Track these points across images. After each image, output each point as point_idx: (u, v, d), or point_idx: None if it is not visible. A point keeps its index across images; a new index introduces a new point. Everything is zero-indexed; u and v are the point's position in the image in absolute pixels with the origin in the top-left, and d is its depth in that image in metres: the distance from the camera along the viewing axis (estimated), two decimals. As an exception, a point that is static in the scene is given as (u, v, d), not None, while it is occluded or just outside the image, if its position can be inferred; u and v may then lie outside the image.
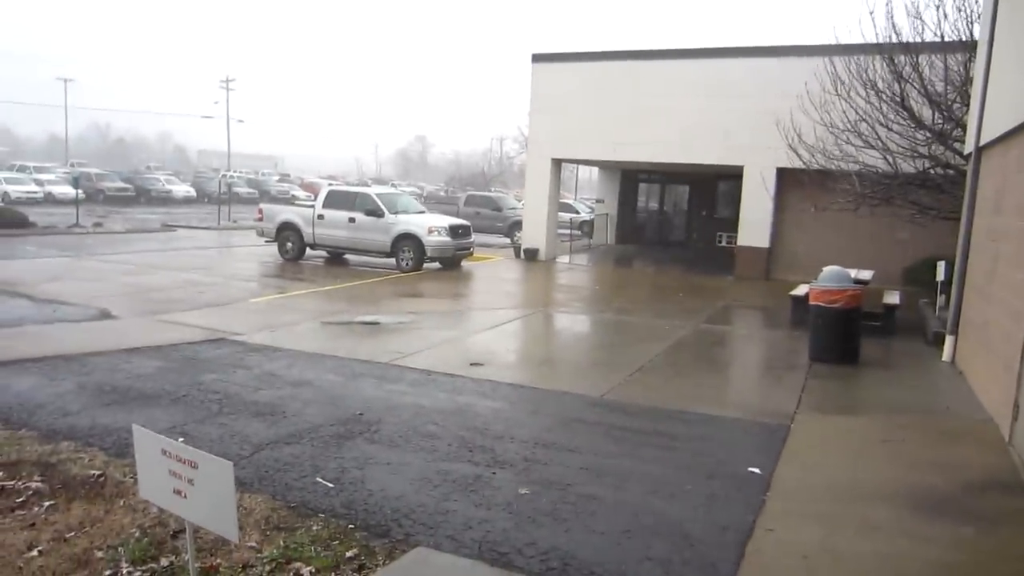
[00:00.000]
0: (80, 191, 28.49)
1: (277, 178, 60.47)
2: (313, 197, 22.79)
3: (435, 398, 7.04)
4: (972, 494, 5.12)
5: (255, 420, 6.14)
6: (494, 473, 5.19)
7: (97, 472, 4.87)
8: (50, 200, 35.40)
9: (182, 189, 44.61)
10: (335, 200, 18.07)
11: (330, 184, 26.16)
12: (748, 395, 8.32)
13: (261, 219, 18.90)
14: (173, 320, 10.27)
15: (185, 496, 3.11)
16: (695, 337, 10.87)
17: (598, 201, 27.74)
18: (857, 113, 13.30)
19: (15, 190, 35.27)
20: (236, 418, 6.16)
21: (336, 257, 18.61)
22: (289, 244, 18.22)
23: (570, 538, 4.26)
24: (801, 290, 11.60)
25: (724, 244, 22.36)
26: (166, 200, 41.66)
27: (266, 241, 18.91)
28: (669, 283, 17.04)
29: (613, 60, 19.58)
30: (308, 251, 18.31)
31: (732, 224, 19.28)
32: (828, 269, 9.50)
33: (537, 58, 20.52)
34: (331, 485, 4.86)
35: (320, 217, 17.78)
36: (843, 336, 9.09)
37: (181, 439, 5.26)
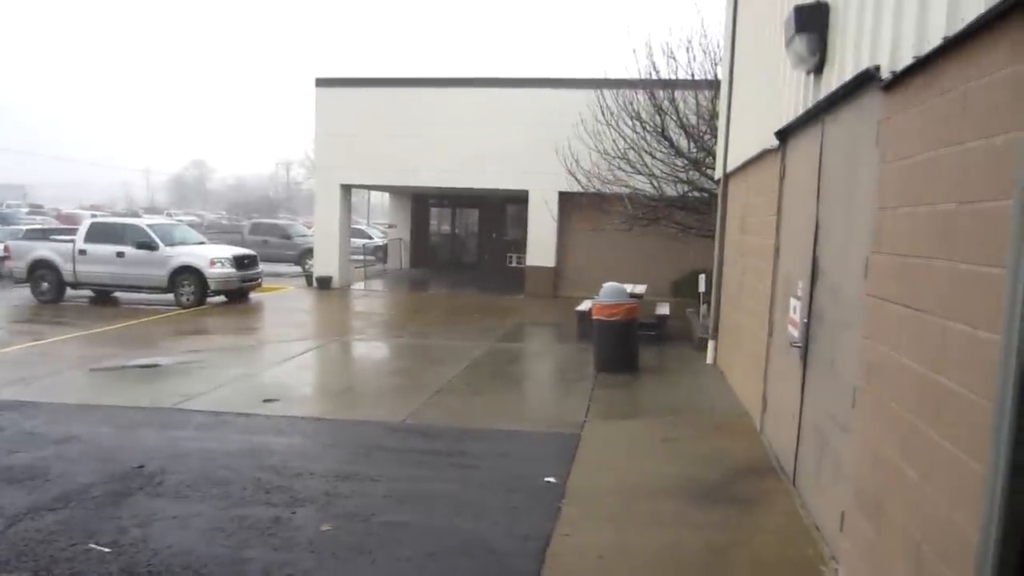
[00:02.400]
0: None
1: (27, 210, 53.60)
2: (73, 231, 20.58)
3: (226, 440, 6.63)
4: (735, 480, 5.78)
5: (10, 488, 5.40)
6: (294, 513, 5.00)
7: None
8: None
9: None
10: (100, 233, 16.42)
11: (93, 215, 23.77)
12: (542, 408, 8.73)
13: (8, 257, 16.69)
14: None
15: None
16: (490, 355, 11.20)
17: (390, 226, 27.75)
18: (625, 141, 14.56)
19: None
20: (-15, 487, 5.38)
21: (104, 296, 16.89)
22: (45, 284, 16.25)
23: (376, 569, 4.22)
24: (585, 305, 12.40)
25: (514, 264, 23.31)
26: None
27: (16, 282, 16.72)
28: (463, 304, 17.41)
29: (399, 87, 19.79)
30: (69, 291, 16.45)
31: (521, 245, 20.18)
32: (607, 285, 10.25)
33: (321, 82, 20.17)
34: (107, 550, 4.40)
35: (82, 252, 16.05)
36: (623, 346, 9.86)
37: (-88, 519, 4.50)
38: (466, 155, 18.72)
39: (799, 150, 6.01)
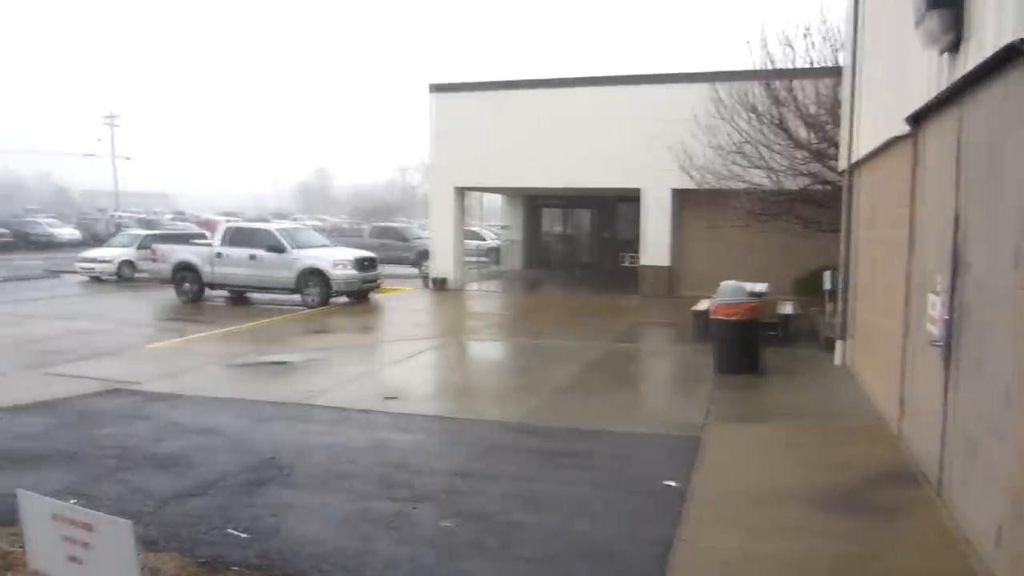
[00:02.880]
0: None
1: (171, 216, 58.03)
2: (211, 235, 22.14)
3: (350, 436, 6.88)
4: (870, 488, 5.43)
5: (158, 473, 5.82)
6: (414, 508, 5.11)
7: (-19, 544, 4.49)
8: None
9: (66, 232, 42.10)
10: (235, 237, 17.53)
11: (228, 221, 25.36)
12: (660, 410, 8.54)
13: (156, 260, 18.09)
14: (62, 372, 9.64)
15: (82, 562, 2.91)
16: (606, 356, 11.08)
17: (504, 227, 28.03)
18: (741, 135, 14.03)
19: None
20: (137, 473, 5.83)
21: (238, 296, 17.99)
22: (187, 284, 17.49)
23: (496, 568, 4.24)
24: (702, 305, 12.05)
25: (628, 264, 22.99)
26: (49, 244, 39.17)
27: (161, 283, 18.10)
28: (577, 305, 17.33)
29: (511, 89, 19.95)
30: (208, 291, 17.63)
31: (634, 244, 19.86)
32: (726, 284, 9.91)
33: (435, 88, 20.65)
34: (244, 536, 4.66)
35: (219, 255, 17.17)
36: (744, 347, 9.49)
37: (74, 501, 4.92)
38: (578, 155, 18.63)
39: (933, 135, 5.57)
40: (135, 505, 5.14)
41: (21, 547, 4.22)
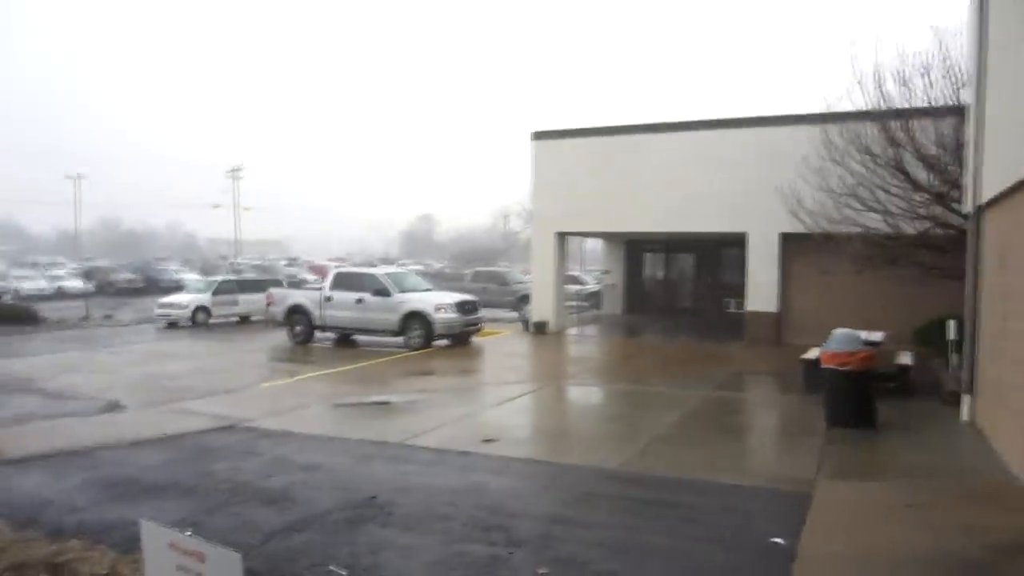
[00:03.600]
0: (90, 284, 28.92)
1: (285, 262, 61.28)
2: (321, 279, 23.16)
3: (448, 477, 6.94)
4: (1006, 560, 4.96)
5: (265, 508, 6.05)
6: (511, 553, 5.07)
7: (105, 572, 4.78)
8: (61, 295, 35.89)
9: (191, 277, 45.14)
10: (343, 281, 18.26)
11: (337, 266, 26.46)
12: (766, 462, 8.16)
13: (271, 303, 19.07)
14: (183, 409, 10.24)
15: (195, 589, 3.05)
16: (709, 404, 10.74)
17: (604, 272, 27.92)
18: (854, 177, 13.49)
19: (26, 287, 35.93)
20: (246, 506, 6.08)
21: (345, 338, 18.65)
22: (298, 327, 18.31)
23: (591, 620, 4.13)
24: (812, 354, 11.51)
25: (732, 310, 22.34)
26: (176, 288, 41.96)
27: (275, 324, 19.01)
28: (679, 351, 16.95)
29: (612, 135, 20.05)
30: (317, 333, 18.37)
31: (739, 290, 19.30)
32: (838, 332, 9.45)
33: (537, 135, 21.04)
34: (344, 573, 4.75)
35: (328, 299, 17.92)
36: (858, 399, 8.97)
37: (190, 531, 5.16)
38: (680, 199, 18.43)
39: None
40: (243, 537, 5.35)
41: (140, 574, 4.47)
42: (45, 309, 24.91)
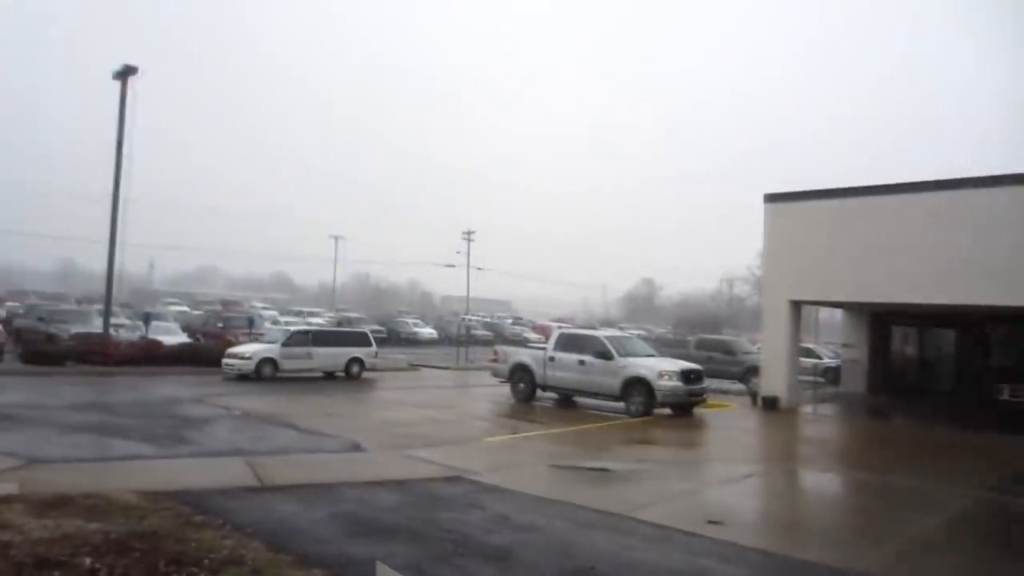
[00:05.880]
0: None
1: (511, 321, 63.79)
2: (544, 339, 23.61)
3: (672, 558, 6.53)
4: None
5: (487, 565, 6.07)
6: (742, 654, 4.58)
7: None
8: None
9: (427, 331, 48.55)
10: (566, 342, 18.45)
11: (560, 327, 26.93)
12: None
13: (496, 360, 19.76)
14: (414, 455, 10.79)
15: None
16: (979, 508, 9.22)
17: (845, 345, 25.63)
18: None
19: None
20: (468, 560, 6.14)
21: (566, 399, 18.74)
22: (522, 385, 18.72)
23: None
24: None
25: (1006, 397, 19.32)
26: (413, 341, 45.45)
27: (500, 381, 19.60)
28: (933, 440, 14.90)
29: (851, 196, 18.59)
30: (539, 392, 18.66)
31: (1015, 374, 16.67)
32: None
33: (770, 197, 20.08)
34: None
35: (551, 359, 18.16)
36: None
37: (417, 578, 5.30)
38: (936, 266, 16.48)
39: None
40: (465, 593, 5.37)
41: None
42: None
